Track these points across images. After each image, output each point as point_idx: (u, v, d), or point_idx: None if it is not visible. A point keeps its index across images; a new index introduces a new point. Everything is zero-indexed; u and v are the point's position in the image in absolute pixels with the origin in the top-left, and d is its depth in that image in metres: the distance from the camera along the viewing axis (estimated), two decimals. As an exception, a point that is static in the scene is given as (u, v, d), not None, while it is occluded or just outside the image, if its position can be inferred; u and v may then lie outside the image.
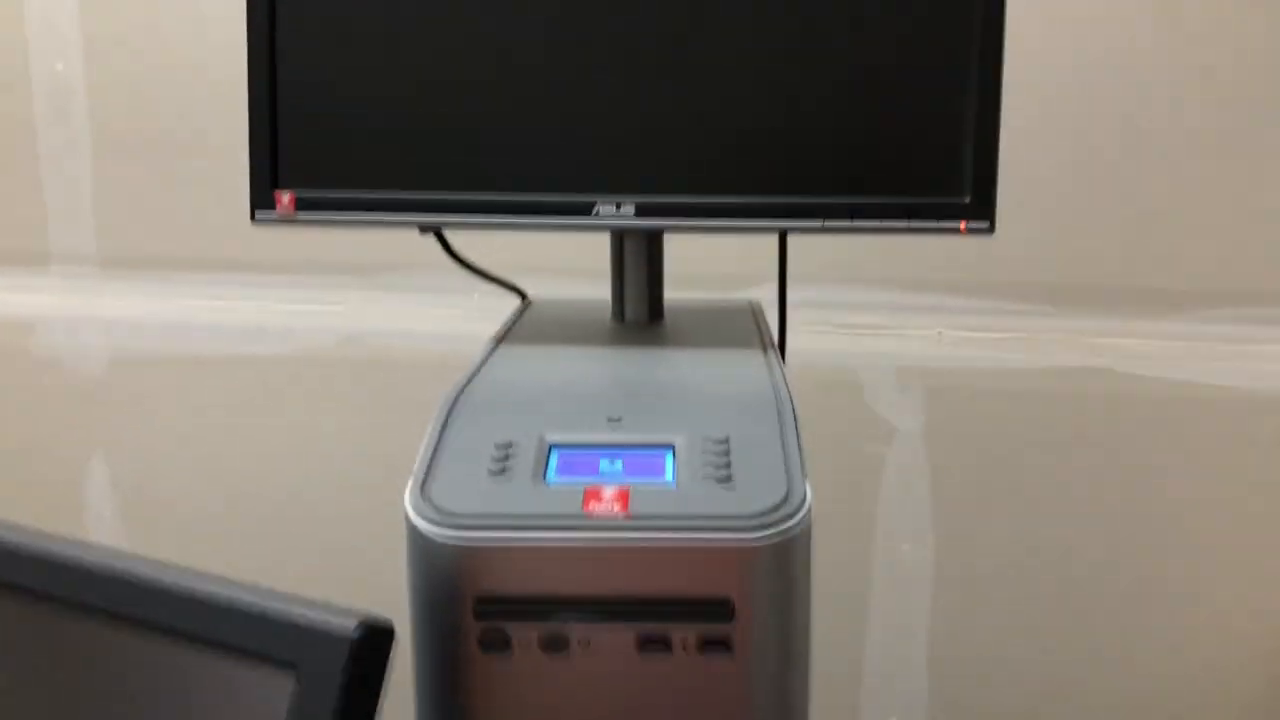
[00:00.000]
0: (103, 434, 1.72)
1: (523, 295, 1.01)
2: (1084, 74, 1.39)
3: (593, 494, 0.60)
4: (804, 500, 0.59)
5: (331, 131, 0.80)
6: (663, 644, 0.58)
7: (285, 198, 0.81)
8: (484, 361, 0.77)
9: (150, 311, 1.68)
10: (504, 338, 0.84)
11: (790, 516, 0.58)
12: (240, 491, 1.69)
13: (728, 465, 0.62)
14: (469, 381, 0.72)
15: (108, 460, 1.73)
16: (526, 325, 0.89)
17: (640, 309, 0.91)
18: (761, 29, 0.77)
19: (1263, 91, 1.37)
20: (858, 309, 1.53)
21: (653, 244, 0.90)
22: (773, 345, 0.82)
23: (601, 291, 0.94)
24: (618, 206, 0.79)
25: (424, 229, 0.83)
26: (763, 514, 0.58)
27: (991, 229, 0.77)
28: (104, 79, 1.61)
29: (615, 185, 0.79)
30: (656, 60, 0.78)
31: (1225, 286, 1.43)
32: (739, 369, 0.74)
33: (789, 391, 0.71)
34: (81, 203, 1.67)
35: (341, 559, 1.67)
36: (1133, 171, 1.41)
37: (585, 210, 0.79)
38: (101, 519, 1.74)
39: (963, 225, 0.77)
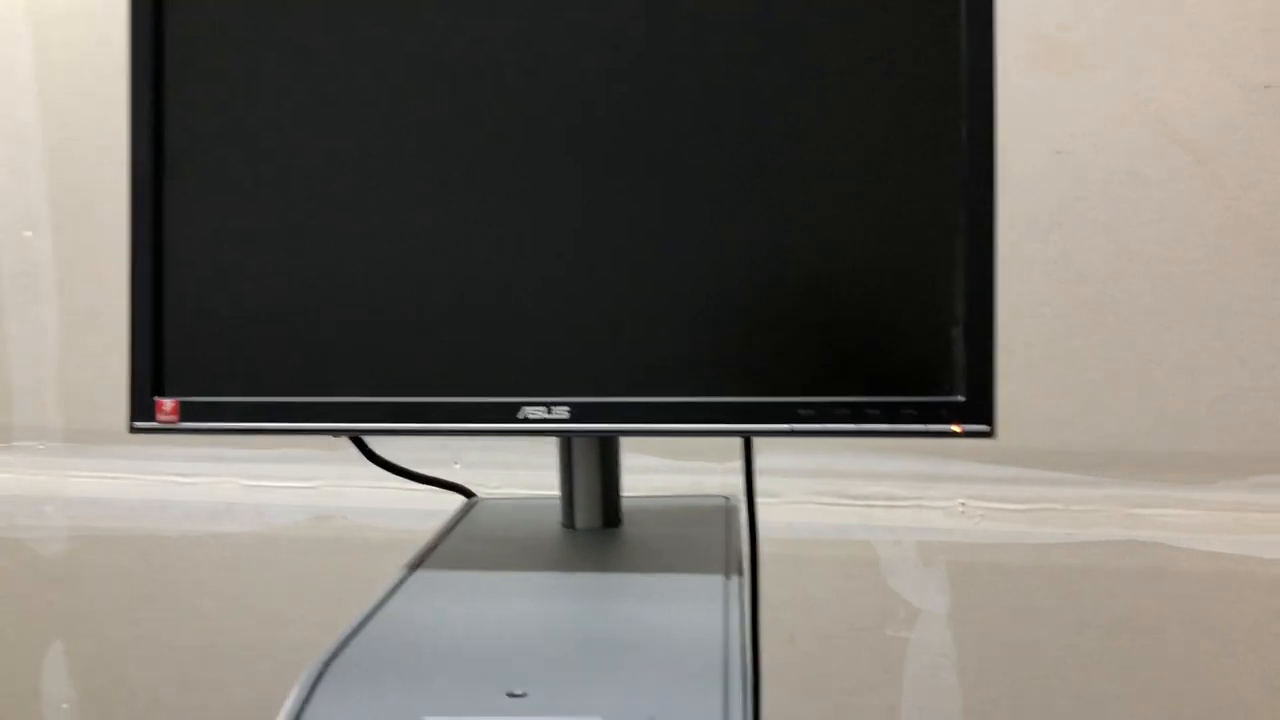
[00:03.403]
0: (62, 618, 1.60)
1: (468, 494, 0.89)
2: (1114, 227, 1.28)
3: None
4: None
5: (223, 332, 0.70)
6: None
7: (168, 405, 0.70)
8: (386, 598, 0.65)
9: (117, 488, 1.57)
10: (423, 560, 0.72)
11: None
12: (200, 679, 1.56)
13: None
14: (354, 634, 0.59)
15: (66, 646, 1.61)
16: (458, 538, 0.77)
17: (591, 516, 0.79)
18: (710, 204, 0.66)
19: (1306, 237, 1.25)
20: (872, 478, 1.40)
21: (606, 446, 0.78)
22: (738, 568, 0.69)
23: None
24: (549, 409, 0.67)
25: (330, 435, 0.71)
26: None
27: (991, 431, 0.64)
28: (73, 250, 1.55)
29: (544, 386, 0.67)
30: (590, 244, 0.67)
31: (1277, 449, 1.28)
32: (689, 612, 0.61)
33: (749, 639, 0.58)
34: (45, 376, 1.58)
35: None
36: (1173, 326, 1.28)
37: (509, 415, 0.67)
38: (58, 709, 1.61)
39: (958, 427, 0.64)
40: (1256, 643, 1.29)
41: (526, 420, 0.67)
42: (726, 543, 0.74)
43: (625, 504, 0.85)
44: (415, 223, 0.68)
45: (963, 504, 1.38)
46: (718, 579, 0.66)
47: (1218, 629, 1.30)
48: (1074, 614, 1.34)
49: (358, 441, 0.76)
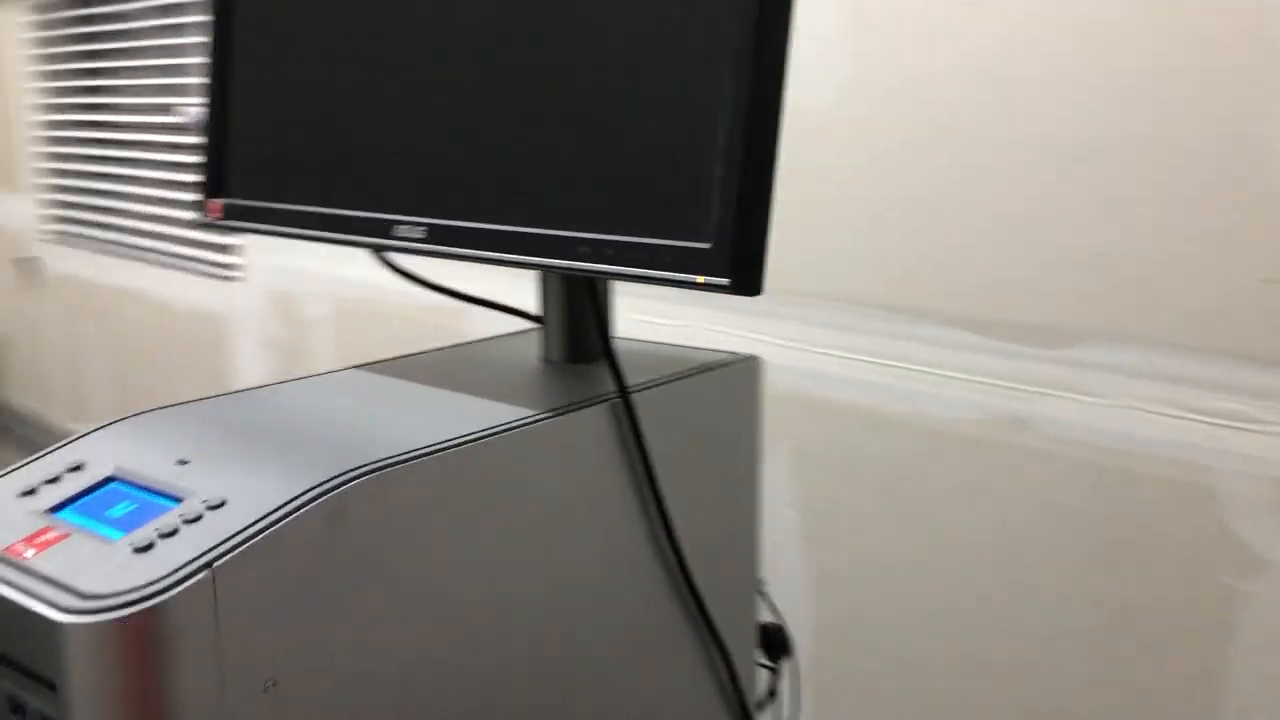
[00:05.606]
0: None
1: (538, 320, 0.92)
2: None
3: (41, 533, 0.56)
4: (173, 587, 0.49)
5: (261, 154, 0.82)
6: (20, 712, 0.53)
7: (216, 206, 0.85)
8: (261, 385, 0.74)
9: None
10: (370, 364, 0.79)
11: (130, 603, 0.49)
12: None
13: (173, 532, 0.53)
14: (187, 402, 0.70)
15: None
16: (439, 355, 0.83)
17: (557, 350, 0.79)
18: (525, 75, 0.63)
19: None
20: (1217, 389, 1.12)
21: (572, 284, 0.77)
22: (569, 407, 0.67)
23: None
24: (412, 229, 0.70)
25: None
26: (104, 595, 0.49)
27: (741, 288, 0.54)
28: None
29: (416, 210, 0.71)
30: (451, 89, 0.68)
31: None
32: (437, 422, 0.63)
33: (451, 456, 0.59)
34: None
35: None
36: None
37: (384, 231, 0.72)
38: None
39: (699, 278, 0.55)
40: None
41: (396, 237, 0.71)
42: (617, 393, 0.70)
43: (647, 350, 0.83)
44: (371, 90, 0.75)
45: (1339, 439, 1.06)
46: (518, 410, 0.65)
47: None
48: None
49: (382, 257, 0.85)
